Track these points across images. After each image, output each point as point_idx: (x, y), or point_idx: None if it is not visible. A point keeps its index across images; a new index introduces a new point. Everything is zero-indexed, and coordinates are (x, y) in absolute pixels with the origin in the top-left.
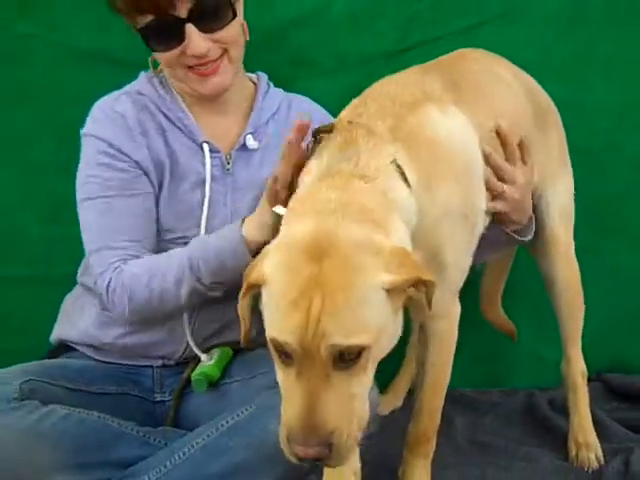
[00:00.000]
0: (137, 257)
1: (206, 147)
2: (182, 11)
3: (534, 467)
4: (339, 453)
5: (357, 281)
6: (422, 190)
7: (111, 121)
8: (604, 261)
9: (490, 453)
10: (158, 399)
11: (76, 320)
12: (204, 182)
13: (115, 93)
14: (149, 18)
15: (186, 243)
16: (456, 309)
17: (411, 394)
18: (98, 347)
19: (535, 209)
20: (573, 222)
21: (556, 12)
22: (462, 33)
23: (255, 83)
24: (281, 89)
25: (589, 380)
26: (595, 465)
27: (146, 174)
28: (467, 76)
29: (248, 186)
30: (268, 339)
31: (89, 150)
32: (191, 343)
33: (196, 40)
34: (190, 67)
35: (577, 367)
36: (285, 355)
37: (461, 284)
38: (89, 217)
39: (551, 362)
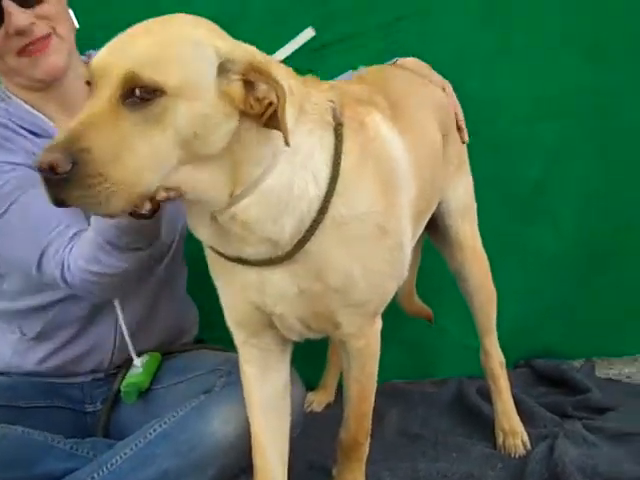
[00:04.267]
0: (78, 234)
1: None
2: None
3: (464, 457)
4: (82, 178)
5: (181, 29)
6: (349, 174)
7: None
8: (526, 248)
9: (421, 445)
10: (89, 410)
11: None
12: None
13: None
14: None
15: None
16: (375, 328)
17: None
18: (23, 374)
19: (436, 213)
20: (476, 217)
21: (470, 7)
22: (380, 28)
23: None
24: None
25: (517, 366)
26: (522, 451)
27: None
28: (401, 100)
29: None
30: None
31: None
32: (125, 334)
33: (16, 14)
34: (20, 52)
35: (494, 357)
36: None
37: (381, 308)
38: (10, 231)
39: (477, 350)
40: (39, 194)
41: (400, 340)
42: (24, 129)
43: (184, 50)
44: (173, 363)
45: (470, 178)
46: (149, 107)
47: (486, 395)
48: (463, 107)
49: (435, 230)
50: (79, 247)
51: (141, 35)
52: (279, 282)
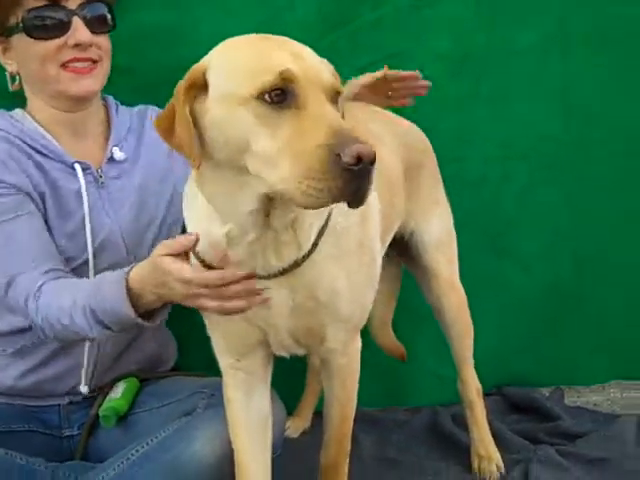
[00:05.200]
0: (52, 272)
1: (77, 167)
2: (72, 3)
3: None
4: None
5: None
6: None
7: None
8: (498, 282)
9: (398, 470)
10: (66, 434)
11: None
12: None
13: None
14: (40, 3)
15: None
16: (356, 346)
17: (318, 414)
18: (1, 392)
19: (410, 246)
20: (455, 251)
21: (445, 53)
22: (357, 72)
23: (104, 104)
24: (125, 106)
25: (490, 394)
26: (496, 476)
27: (29, 196)
28: (359, 126)
29: (123, 196)
30: (240, 96)
31: None
32: (83, 374)
33: (82, 29)
34: (64, 66)
35: (471, 386)
36: (276, 99)
37: (362, 322)
38: None
39: (451, 379)
40: (22, 224)
41: (373, 368)
42: (34, 149)
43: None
44: (153, 388)
45: (447, 214)
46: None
47: (460, 422)
48: (437, 147)
49: (412, 262)
50: (58, 291)
51: (307, 49)
52: (278, 295)
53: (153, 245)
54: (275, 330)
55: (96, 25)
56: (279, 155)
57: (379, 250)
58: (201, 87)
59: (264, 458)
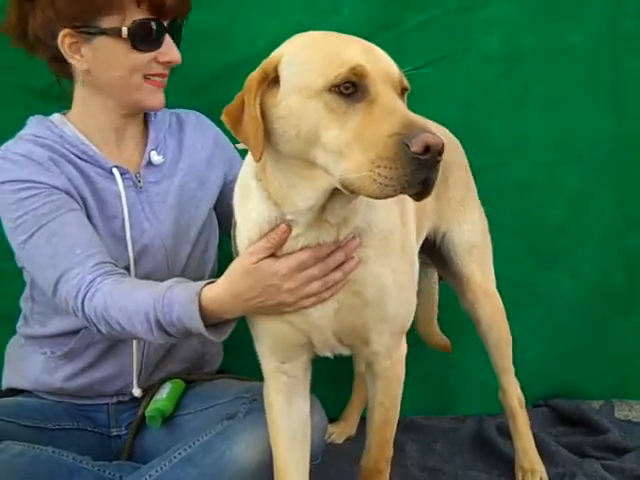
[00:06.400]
0: (101, 265)
1: (116, 171)
2: (166, 20)
3: None
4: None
5: None
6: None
7: (15, 163)
8: (547, 289)
9: (441, 479)
10: (114, 434)
11: (23, 369)
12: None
13: (9, 141)
14: (140, 16)
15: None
16: (401, 350)
17: (364, 421)
18: (51, 392)
19: (441, 250)
20: (489, 257)
21: (495, 54)
22: (407, 75)
23: None
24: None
25: (537, 406)
26: None
27: (71, 196)
28: None
29: (162, 199)
30: (312, 89)
31: (5, 197)
32: (134, 376)
33: (173, 48)
34: (146, 78)
35: (513, 395)
36: (347, 92)
37: (407, 325)
38: (36, 253)
39: (497, 389)
40: (68, 220)
41: (420, 376)
42: (74, 154)
43: None
44: (197, 390)
45: (481, 219)
46: None
47: (505, 433)
48: (487, 152)
49: (445, 269)
50: (117, 291)
51: (376, 47)
52: None
53: (189, 256)
54: (319, 331)
55: (176, 42)
56: (349, 145)
57: (415, 249)
58: (272, 80)
59: (304, 464)
